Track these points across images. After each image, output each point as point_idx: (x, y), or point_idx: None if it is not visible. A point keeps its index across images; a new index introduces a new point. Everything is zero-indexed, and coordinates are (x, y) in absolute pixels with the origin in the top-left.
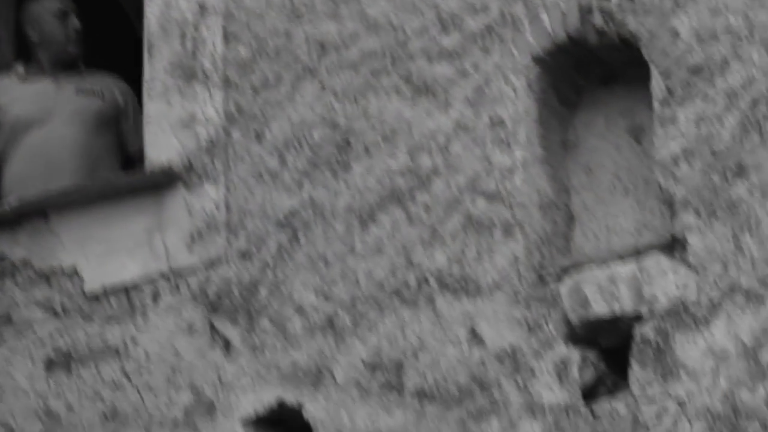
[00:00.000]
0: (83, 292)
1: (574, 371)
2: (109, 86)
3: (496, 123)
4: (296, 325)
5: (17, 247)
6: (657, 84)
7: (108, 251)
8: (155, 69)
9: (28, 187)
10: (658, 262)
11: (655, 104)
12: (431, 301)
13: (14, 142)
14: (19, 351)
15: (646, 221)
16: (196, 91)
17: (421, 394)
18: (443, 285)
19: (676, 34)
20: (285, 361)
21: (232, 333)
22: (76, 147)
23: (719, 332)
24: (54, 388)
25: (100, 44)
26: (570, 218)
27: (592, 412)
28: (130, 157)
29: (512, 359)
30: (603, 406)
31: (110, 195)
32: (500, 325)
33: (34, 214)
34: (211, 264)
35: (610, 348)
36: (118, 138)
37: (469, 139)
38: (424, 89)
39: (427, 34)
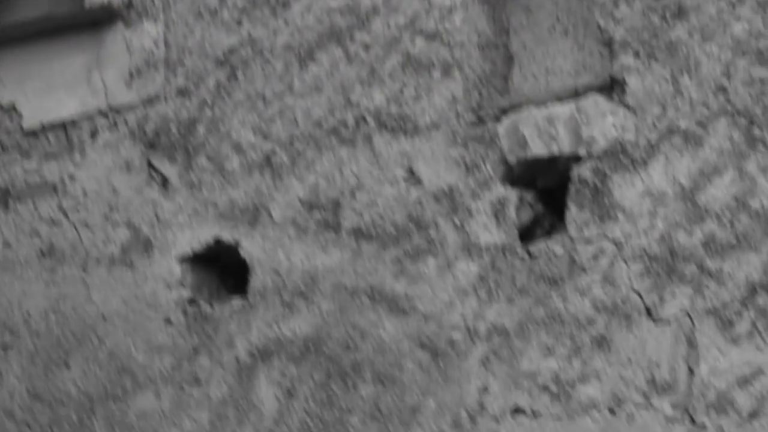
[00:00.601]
0: (21, 129)
1: (511, 211)
2: None
3: None
4: (234, 163)
5: None
6: None
7: (46, 88)
8: None
9: None
10: (596, 103)
11: None
12: (369, 140)
13: None
14: None
15: (585, 62)
16: None
17: (358, 233)
18: (381, 124)
19: None
20: (222, 199)
21: (170, 170)
22: None
23: (657, 174)
24: None
25: None
26: (509, 58)
27: (528, 252)
28: None
29: (449, 199)
30: (539, 246)
31: (49, 31)
32: (438, 165)
33: None
34: (150, 101)
35: (547, 188)
36: None
37: None
38: None
39: None
